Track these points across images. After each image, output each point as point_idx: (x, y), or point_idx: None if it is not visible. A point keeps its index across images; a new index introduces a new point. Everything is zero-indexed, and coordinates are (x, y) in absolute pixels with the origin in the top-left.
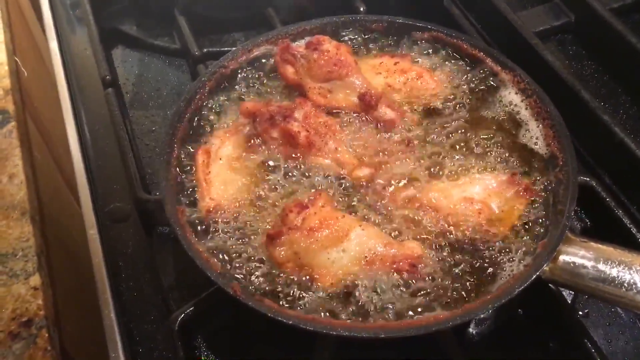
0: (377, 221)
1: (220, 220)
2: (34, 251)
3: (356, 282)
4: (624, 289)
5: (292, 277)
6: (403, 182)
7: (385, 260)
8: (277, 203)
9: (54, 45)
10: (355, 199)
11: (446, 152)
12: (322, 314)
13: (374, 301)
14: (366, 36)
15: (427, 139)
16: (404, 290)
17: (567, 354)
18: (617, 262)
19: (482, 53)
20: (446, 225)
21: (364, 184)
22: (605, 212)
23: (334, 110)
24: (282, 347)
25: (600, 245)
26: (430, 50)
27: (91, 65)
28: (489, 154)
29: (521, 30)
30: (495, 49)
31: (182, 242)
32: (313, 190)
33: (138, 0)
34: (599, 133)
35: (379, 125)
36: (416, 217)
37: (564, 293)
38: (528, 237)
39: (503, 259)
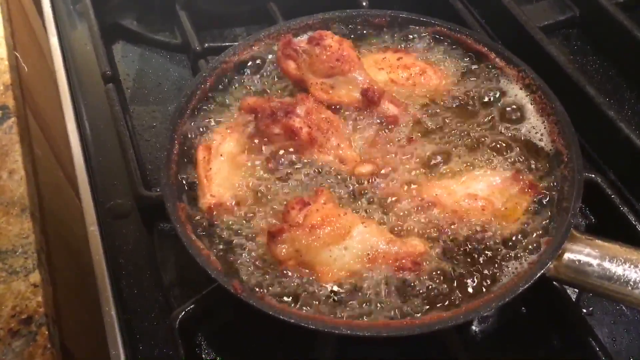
0: (379, 218)
1: (221, 217)
2: (33, 248)
3: (358, 279)
4: (629, 287)
5: (293, 274)
6: (406, 178)
7: (387, 258)
8: (278, 200)
9: (54, 40)
10: (357, 195)
11: (450, 148)
12: (324, 312)
13: (376, 299)
14: (369, 31)
15: (430, 135)
16: (407, 288)
17: (572, 352)
18: (622, 260)
19: (486, 48)
20: (449, 222)
21: (367, 180)
22: (610, 209)
23: (336, 106)
24: (283, 345)
25: (605, 243)
26: (434, 45)
27: (92, 60)
28: (493, 150)
29: (526, 25)
30: (500, 44)
31: (183, 239)
32: (315, 187)
33: None
34: (604, 129)
35: (381, 121)
36: (419, 214)
37: (568, 291)
38: (533, 234)
39: (507, 257)
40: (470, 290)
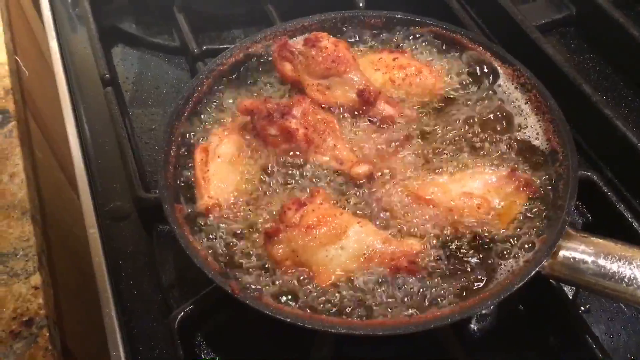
0: (375, 218)
1: (218, 218)
2: (34, 250)
3: (354, 279)
4: (624, 284)
5: (290, 274)
6: (402, 178)
7: (383, 257)
8: (275, 201)
9: (53, 43)
10: (354, 195)
11: (445, 147)
12: (321, 311)
13: (372, 298)
14: (365, 32)
15: (426, 135)
16: (403, 287)
17: (569, 349)
18: (617, 257)
19: (481, 48)
20: (445, 221)
21: (363, 180)
22: (607, 207)
23: (333, 107)
24: (281, 345)
25: (600, 240)
26: (430, 46)
27: (91, 63)
28: (488, 149)
29: (522, 24)
30: (496, 43)
31: (180, 241)
32: (312, 188)
33: None
34: (600, 127)
35: (378, 121)
36: (415, 213)
37: (565, 289)
38: (528, 232)
39: (503, 255)
40: (466, 288)
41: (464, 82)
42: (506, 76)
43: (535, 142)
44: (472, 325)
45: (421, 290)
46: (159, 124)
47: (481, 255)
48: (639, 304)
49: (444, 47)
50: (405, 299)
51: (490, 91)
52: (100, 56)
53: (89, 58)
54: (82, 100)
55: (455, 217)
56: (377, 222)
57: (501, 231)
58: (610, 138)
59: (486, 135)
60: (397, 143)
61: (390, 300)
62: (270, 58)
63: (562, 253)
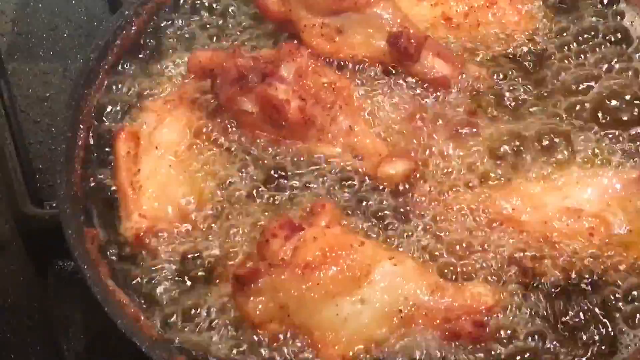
0: (418, 250)
1: (156, 249)
2: None
3: (384, 353)
4: None
5: (276, 345)
6: (461, 182)
7: (433, 317)
8: (250, 220)
9: None
10: (381, 213)
11: (534, 132)
12: None
13: None
14: None
15: (502, 111)
16: None
17: None
18: None
19: None
20: (535, 255)
21: (398, 186)
22: None
23: (347, 64)
24: None
25: None
26: None
27: None
28: (605, 137)
29: None
30: None
31: (93, 289)
32: (311, 200)
33: None
34: None
35: (422, 87)
36: (484, 242)
37: None
38: None
39: (630, 318)
40: None
41: (567, 25)
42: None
43: None
44: None
45: None
46: (56, 91)
47: (593, 313)
48: None
49: None
50: None
51: (610, 43)
52: None
53: None
54: None
55: (552, 248)
56: (421, 257)
57: (630, 276)
58: None
59: (602, 115)
60: (455, 124)
61: None
62: None
63: None
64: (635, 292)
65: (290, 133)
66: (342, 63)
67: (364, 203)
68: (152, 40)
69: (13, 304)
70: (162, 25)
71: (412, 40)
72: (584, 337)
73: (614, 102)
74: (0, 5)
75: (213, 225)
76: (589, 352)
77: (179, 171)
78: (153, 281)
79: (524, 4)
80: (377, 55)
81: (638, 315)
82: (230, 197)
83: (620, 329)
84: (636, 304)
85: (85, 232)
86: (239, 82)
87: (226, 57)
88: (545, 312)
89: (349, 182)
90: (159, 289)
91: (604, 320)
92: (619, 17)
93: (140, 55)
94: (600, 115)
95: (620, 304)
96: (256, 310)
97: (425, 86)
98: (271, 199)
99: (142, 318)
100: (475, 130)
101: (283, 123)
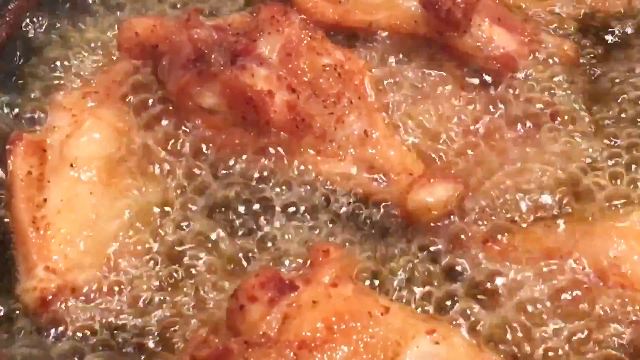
0: (468, 320)
1: (71, 318)
2: None
3: None
4: None
5: None
6: (537, 215)
7: None
8: (212, 279)
9: None
10: (412, 264)
11: None
12: None
13: None
14: None
15: (598, 106)
16: None
17: None
18: None
19: None
20: None
21: (437, 223)
22: None
23: (359, 36)
24: None
25: None
26: None
27: None
28: None
29: None
30: None
31: None
32: (311, 243)
33: None
34: None
35: (474, 70)
36: (571, 307)
37: None
38: None
39: None
40: None
41: None
42: None
43: None
44: None
45: None
46: None
47: None
48: None
49: None
50: None
51: None
52: None
53: None
54: None
55: None
56: (473, 331)
57: None
58: None
59: None
60: (522, 126)
61: None
62: None
63: None
64: None
65: (274, 141)
66: (352, 35)
67: (387, 249)
68: (65, 7)
69: None
70: None
71: (461, 1)
72: None
73: None
74: None
75: (153, 280)
76: None
77: (104, 201)
78: None
79: None
80: (405, 22)
81: None
82: (181, 240)
83: None
84: None
85: None
86: (195, 65)
87: (176, 27)
88: None
89: (362, 214)
90: None
91: None
92: None
93: (48, 29)
94: None
95: None
96: None
97: (478, 69)
98: (243, 242)
99: None
100: (552, 134)
101: (263, 126)
